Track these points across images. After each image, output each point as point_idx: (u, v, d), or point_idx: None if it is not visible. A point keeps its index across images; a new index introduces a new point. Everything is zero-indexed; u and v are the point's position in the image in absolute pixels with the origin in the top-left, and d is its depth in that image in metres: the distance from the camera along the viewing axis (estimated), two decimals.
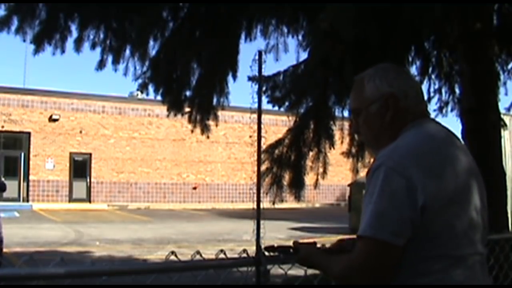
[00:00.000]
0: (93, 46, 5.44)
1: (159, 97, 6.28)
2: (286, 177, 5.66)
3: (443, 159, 1.38)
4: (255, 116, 3.70)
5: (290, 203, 6.03)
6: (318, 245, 1.70)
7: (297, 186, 5.67)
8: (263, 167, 5.39)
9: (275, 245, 1.84)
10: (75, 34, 5.33)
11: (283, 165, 5.63)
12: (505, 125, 5.20)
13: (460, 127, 4.38)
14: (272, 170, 5.60)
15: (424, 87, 6.08)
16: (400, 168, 1.31)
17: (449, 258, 1.32)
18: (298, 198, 5.68)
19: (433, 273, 1.32)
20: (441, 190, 1.32)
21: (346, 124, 5.89)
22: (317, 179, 5.92)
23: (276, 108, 5.91)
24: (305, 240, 1.82)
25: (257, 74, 4.02)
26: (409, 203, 1.28)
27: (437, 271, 1.31)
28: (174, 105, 6.29)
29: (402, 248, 1.30)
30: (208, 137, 6.78)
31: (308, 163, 5.77)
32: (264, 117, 4.12)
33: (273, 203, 5.62)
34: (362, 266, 1.32)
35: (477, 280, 1.35)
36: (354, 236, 1.42)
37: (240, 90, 6.56)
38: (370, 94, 1.50)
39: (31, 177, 24.00)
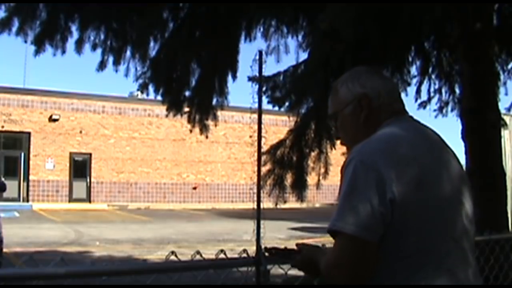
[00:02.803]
0: (94, 47, 5.45)
1: (159, 97, 6.28)
2: (288, 178, 5.66)
3: (421, 155, 1.36)
4: (255, 116, 3.70)
5: (290, 203, 6.03)
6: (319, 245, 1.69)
7: (299, 187, 5.67)
8: (265, 169, 5.39)
9: (276, 246, 1.83)
10: (75, 35, 5.34)
11: (285, 166, 5.63)
12: (505, 125, 5.21)
13: (460, 127, 4.38)
14: (274, 171, 5.60)
15: (424, 87, 6.10)
16: (369, 161, 1.31)
17: (425, 256, 1.30)
18: (300, 198, 5.68)
19: (409, 273, 1.30)
20: (416, 187, 1.30)
21: None
22: (318, 180, 5.92)
23: (276, 108, 5.91)
24: (307, 241, 1.81)
25: (257, 74, 4.02)
26: (378, 197, 1.26)
27: (414, 270, 1.30)
28: (174, 105, 6.30)
29: (375, 243, 1.27)
30: (207, 137, 6.79)
31: (310, 163, 5.77)
32: (264, 117, 4.11)
33: (276, 204, 5.61)
34: (336, 261, 1.31)
35: (458, 280, 1.33)
36: None
37: (240, 90, 6.56)
38: (344, 97, 1.53)
39: (31, 177, 24.01)
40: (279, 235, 12.54)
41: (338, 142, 5.82)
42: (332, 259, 1.33)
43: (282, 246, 1.83)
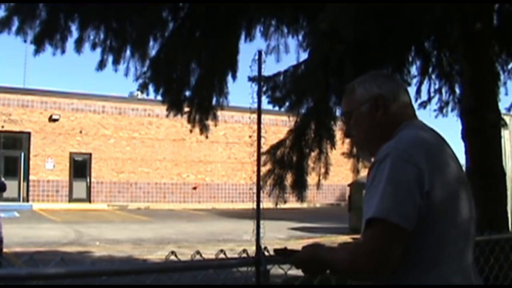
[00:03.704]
0: (93, 47, 5.44)
1: (159, 97, 6.28)
2: (288, 178, 5.66)
3: (443, 157, 1.44)
4: (255, 116, 3.70)
5: (290, 203, 6.03)
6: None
7: (299, 187, 5.66)
8: (265, 169, 5.39)
9: (283, 247, 1.81)
10: (75, 34, 5.34)
11: (285, 166, 5.62)
12: (505, 124, 5.20)
13: (460, 127, 4.38)
14: (274, 171, 5.59)
15: (424, 87, 6.10)
16: (406, 155, 1.36)
17: (441, 251, 1.35)
18: (301, 198, 5.68)
19: (428, 263, 1.34)
20: (442, 182, 1.37)
21: None
22: (319, 180, 5.92)
23: (276, 108, 5.91)
24: (307, 242, 1.80)
25: (257, 74, 4.02)
26: (417, 189, 1.32)
27: (432, 261, 1.34)
28: (174, 105, 6.30)
29: (410, 233, 1.32)
30: (207, 137, 6.78)
31: (310, 163, 5.76)
32: (264, 117, 4.11)
33: (276, 204, 5.61)
34: (370, 248, 1.32)
35: (469, 277, 1.39)
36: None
37: (240, 90, 6.57)
38: (360, 96, 1.58)
39: (31, 177, 24.00)
40: (279, 235, 12.54)
41: (338, 142, 5.80)
42: (366, 246, 1.33)
43: (284, 246, 1.82)
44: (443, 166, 1.41)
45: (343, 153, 5.94)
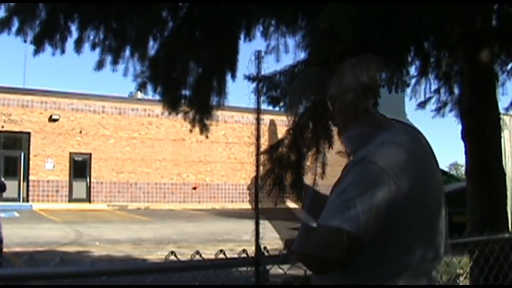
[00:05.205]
0: (93, 47, 5.45)
1: (158, 97, 6.28)
2: (288, 178, 5.66)
3: (416, 161, 1.37)
4: (255, 115, 3.71)
5: (290, 203, 6.03)
6: None
7: (298, 187, 5.66)
8: (264, 168, 5.39)
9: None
10: (75, 34, 5.34)
11: (285, 166, 5.62)
12: (505, 124, 5.20)
13: (460, 127, 4.38)
14: (274, 171, 5.59)
15: (424, 87, 6.09)
16: (381, 163, 1.29)
17: (399, 263, 1.30)
18: (300, 199, 5.66)
19: (387, 278, 1.30)
20: (412, 191, 1.31)
21: None
22: (314, 179, 5.92)
23: (276, 108, 5.91)
24: None
25: (254, 73, 4.02)
26: (386, 201, 1.26)
27: (393, 276, 1.30)
28: (173, 105, 6.30)
29: (365, 243, 1.26)
30: (207, 137, 6.78)
31: (308, 163, 5.76)
32: (264, 117, 4.11)
33: (275, 205, 5.60)
34: (322, 249, 1.28)
35: (433, 280, 1.36)
36: None
37: (241, 90, 6.57)
38: (348, 82, 1.50)
39: (31, 177, 24.00)
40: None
41: (337, 142, 5.80)
42: (318, 246, 1.29)
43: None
44: (416, 176, 1.34)
45: (338, 152, 5.93)
